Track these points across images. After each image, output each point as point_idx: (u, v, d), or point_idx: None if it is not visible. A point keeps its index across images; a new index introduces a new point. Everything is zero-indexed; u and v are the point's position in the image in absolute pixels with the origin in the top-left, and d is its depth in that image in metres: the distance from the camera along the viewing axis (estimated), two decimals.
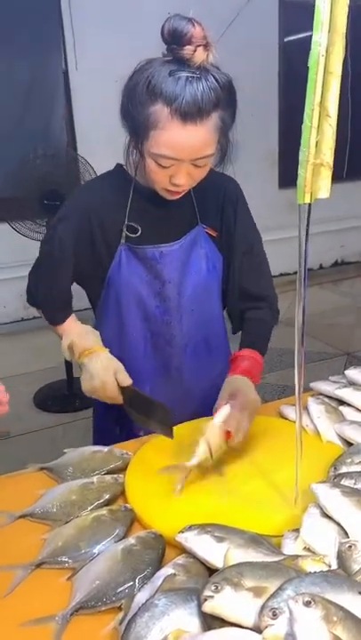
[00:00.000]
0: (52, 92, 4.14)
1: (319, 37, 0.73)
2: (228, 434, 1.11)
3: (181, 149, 1.08)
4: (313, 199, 0.79)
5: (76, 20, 4.05)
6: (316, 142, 0.77)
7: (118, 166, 1.29)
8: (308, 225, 0.82)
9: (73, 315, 1.36)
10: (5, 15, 3.81)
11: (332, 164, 0.78)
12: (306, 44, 0.75)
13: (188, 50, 1.01)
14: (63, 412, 3.27)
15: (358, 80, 5.31)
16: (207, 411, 1.29)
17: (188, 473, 1.07)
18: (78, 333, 1.30)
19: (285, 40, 4.96)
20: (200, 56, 1.02)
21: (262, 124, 4.81)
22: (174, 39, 1.02)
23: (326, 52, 0.74)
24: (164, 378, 1.36)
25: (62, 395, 3.40)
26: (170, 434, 1.20)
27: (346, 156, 5.57)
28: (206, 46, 1.02)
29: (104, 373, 1.23)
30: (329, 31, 0.73)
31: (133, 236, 1.25)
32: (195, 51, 1.01)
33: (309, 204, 0.80)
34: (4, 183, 3.10)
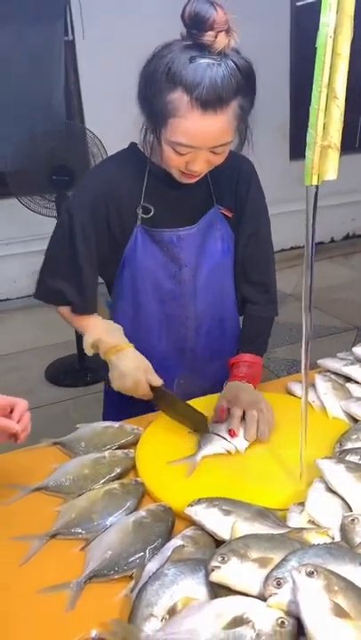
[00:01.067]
0: (55, 63, 4.07)
1: (327, 19, 0.73)
2: (231, 432, 1.16)
3: (200, 138, 1.07)
4: (320, 181, 0.80)
5: None
6: (324, 124, 0.77)
7: (132, 145, 1.27)
8: (315, 207, 0.82)
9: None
10: None
11: (339, 145, 0.78)
12: (319, 9, 0.73)
13: (209, 36, 0.98)
14: (74, 387, 3.33)
15: None
16: (217, 389, 1.32)
17: (196, 464, 1.09)
18: (104, 330, 1.29)
19: (298, 4, 4.84)
20: (222, 42, 0.99)
21: (274, 94, 4.71)
22: (195, 24, 0.98)
23: (334, 33, 0.73)
24: (178, 358, 1.39)
25: (73, 369, 3.45)
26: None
27: (359, 127, 5.49)
28: (228, 31, 0.99)
29: (136, 373, 1.24)
30: (337, 12, 0.72)
31: (147, 216, 1.24)
32: (216, 36, 0.98)
33: (317, 186, 0.80)
34: (13, 157, 3.09)
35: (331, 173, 0.79)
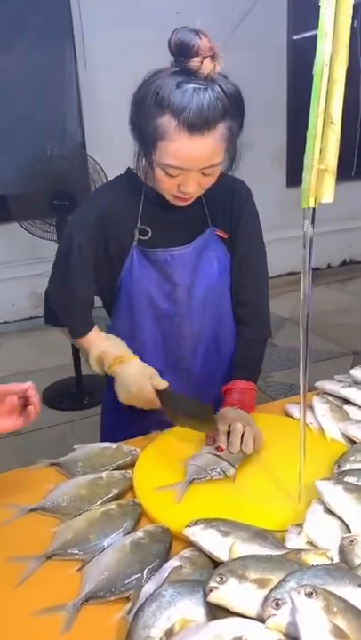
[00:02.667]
0: (66, 90, 4.16)
1: (324, 46, 0.76)
2: (218, 448, 1.16)
3: (189, 160, 1.10)
4: (317, 203, 0.81)
5: (85, 19, 4.07)
6: (321, 148, 0.79)
7: (129, 170, 1.30)
8: (312, 228, 0.84)
9: (96, 326, 1.35)
10: (18, 13, 3.84)
11: (335, 169, 0.80)
12: (315, 42, 0.76)
13: (195, 61, 1.03)
14: (72, 410, 3.31)
15: None
16: (215, 410, 1.32)
17: (184, 490, 1.08)
18: (107, 344, 1.30)
19: (294, 38, 4.97)
20: (207, 67, 1.04)
21: (271, 122, 4.81)
22: (181, 51, 1.03)
23: (330, 60, 0.76)
24: (174, 377, 1.38)
25: (71, 392, 3.43)
26: (212, 428, 1.21)
27: (355, 155, 5.58)
28: (213, 57, 1.04)
29: (139, 379, 1.25)
30: (333, 41, 0.75)
31: (144, 238, 1.27)
32: (202, 62, 1.03)
33: (314, 209, 0.82)
34: (16, 180, 3.13)
35: (327, 196, 0.81)
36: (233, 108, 1.08)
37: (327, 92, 0.77)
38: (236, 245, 1.36)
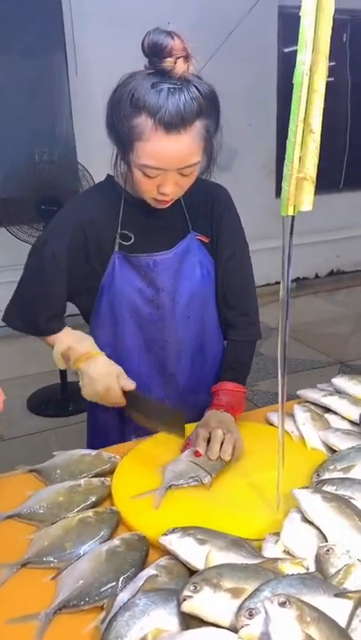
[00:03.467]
0: (57, 96, 4.16)
1: (303, 57, 0.76)
2: (196, 452, 1.16)
3: (166, 159, 1.10)
4: (296, 212, 0.82)
5: (77, 26, 4.09)
6: (300, 157, 0.80)
7: (109, 177, 1.30)
8: (291, 236, 0.84)
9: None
10: (10, 20, 3.84)
11: (315, 178, 0.80)
12: None
13: (168, 62, 1.04)
14: (57, 417, 3.29)
15: (357, 95, 5.40)
16: (201, 416, 1.32)
17: (162, 496, 1.07)
18: (73, 339, 1.29)
19: (285, 51, 5.02)
20: (181, 67, 1.04)
21: (260, 133, 4.85)
22: (155, 52, 1.04)
23: (310, 70, 0.77)
24: (159, 383, 1.38)
25: (56, 399, 3.41)
26: (181, 434, 1.21)
27: (343, 167, 5.63)
28: (187, 58, 1.05)
29: (107, 378, 1.24)
30: (313, 51, 0.76)
31: (126, 243, 1.27)
32: (175, 62, 1.04)
33: (293, 217, 0.82)
34: (3, 184, 3.12)
35: (306, 205, 0.81)
36: (208, 106, 1.09)
37: (307, 101, 0.77)
38: (220, 249, 1.36)
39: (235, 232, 1.38)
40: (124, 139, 1.11)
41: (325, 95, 0.78)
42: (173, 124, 1.05)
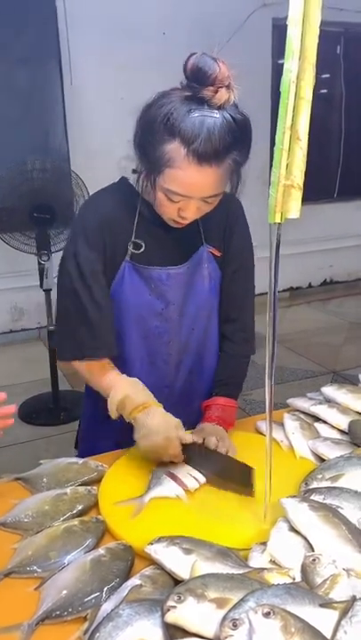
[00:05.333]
0: (51, 105, 4.18)
1: (291, 64, 0.76)
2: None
3: (194, 189, 1.08)
4: (283, 219, 0.82)
5: (72, 36, 4.10)
6: (287, 164, 0.80)
7: (124, 180, 1.26)
8: (278, 244, 0.84)
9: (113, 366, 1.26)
10: (4, 28, 3.86)
11: (302, 185, 0.80)
12: None
13: (210, 90, 1.00)
14: (48, 425, 3.27)
15: (351, 106, 5.44)
16: (192, 424, 1.32)
17: (143, 506, 1.06)
18: (131, 388, 1.19)
19: (279, 63, 5.06)
20: (222, 97, 1.01)
21: (254, 145, 4.86)
22: (197, 78, 1.01)
23: (297, 78, 0.77)
24: (155, 394, 1.36)
25: (48, 408, 3.39)
26: (250, 492, 1.09)
27: (337, 177, 5.67)
28: (229, 87, 1.01)
29: (166, 429, 1.15)
30: (300, 59, 0.76)
31: (137, 252, 1.23)
32: (216, 92, 1.00)
33: (279, 224, 0.82)
34: None
35: (293, 212, 0.81)
36: (242, 139, 1.06)
37: (294, 108, 0.78)
38: (228, 261, 1.34)
39: (244, 245, 1.36)
40: (153, 161, 1.08)
41: (313, 103, 0.78)
42: (207, 156, 1.02)
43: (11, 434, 3.17)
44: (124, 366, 1.30)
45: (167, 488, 1.10)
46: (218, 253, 1.32)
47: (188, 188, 1.08)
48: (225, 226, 1.32)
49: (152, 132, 1.05)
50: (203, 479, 1.13)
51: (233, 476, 1.12)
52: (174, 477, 1.13)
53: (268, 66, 5.00)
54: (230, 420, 1.32)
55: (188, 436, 1.17)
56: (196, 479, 1.11)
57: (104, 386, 1.23)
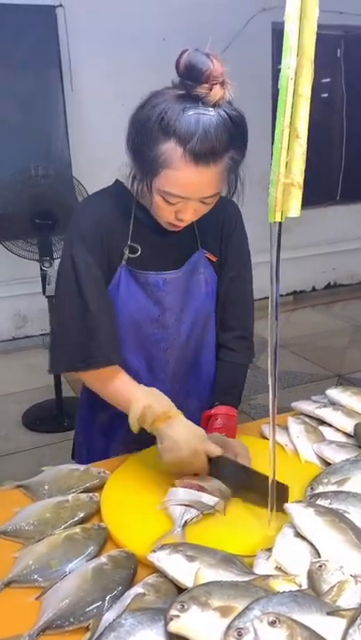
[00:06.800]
0: (52, 111, 4.19)
1: (288, 61, 0.75)
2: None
3: (192, 189, 1.06)
4: (283, 218, 0.80)
5: (73, 42, 4.12)
6: (287, 162, 0.78)
7: (119, 183, 1.23)
8: (278, 243, 0.83)
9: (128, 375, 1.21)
10: (5, 35, 3.87)
11: (302, 183, 0.79)
12: None
13: (204, 88, 0.98)
14: (51, 432, 3.25)
15: (353, 109, 5.44)
16: None
17: (183, 534, 0.98)
18: (151, 397, 1.14)
19: (279, 67, 5.05)
20: (217, 94, 0.99)
21: (256, 149, 4.86)
22: (191, 76, 0.98)
23: (295, 75, 0.76)
24: None
25: (51, 415, 3.37)
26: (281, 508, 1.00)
27: (339, 180, 5.66)
28: (223, 84, 0.99)
29: (192, 442, 1.09)
30: (298, 55, 0.75)
31: (133, 256, 1.20)
32: (211, 89, 0.98)
33: (280, 223, 0.81)
34: None
35: (293, 211, 0.80)
36: (238, 136, 1.04)
37: (293, 105, 0.76)
38: (226, 267, 1.32)
39: (241, 250, 1.34)
40: (148, 162, 1.05)
41: (315, 106, 0.77)
42: (204, 155, 1.00)
43: (14, 441, 3.18)
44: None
45: (195, 511, 1.01)
46: (214, 258, 1.30)
47: (185, 189, 1.06)
48: (221, 230, 1.30)
49: (146, 132, 1.02)
50: (229, 493, 1.08)
51: (262, 491, 1.01)
52: (204, 490, 1.07)
53: (269, 71, 5.00)
54: (234, 428, 1.29)
55: (217, 449, 1.11)
56: (223, 493, 1.07)
57: (120, 398, 1.18)
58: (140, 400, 1.13)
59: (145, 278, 1.22)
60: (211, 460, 1.11)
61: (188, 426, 1.12)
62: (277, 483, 1.00)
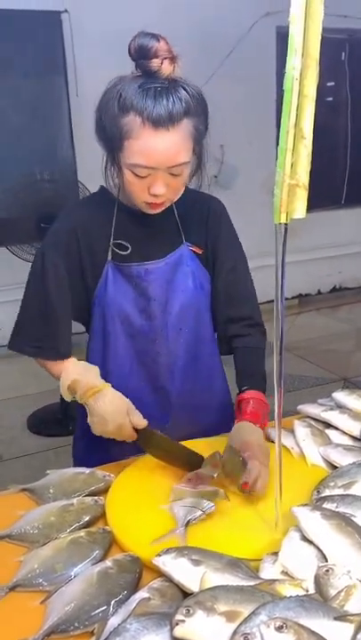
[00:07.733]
0: (58, 116, 4.21)
1: (293, 62, 0.75)
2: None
3: (156, 157, 1.10)
4: (289, 219, 0.80)
5: (78, 46, 4.14)
6: (292, 163, 0.78)
7: (102, 188, 1.30)
8: (284, 245, 0.82)
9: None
10: (10, 41, 3.90)
11: (307, 184, 0.79)
12: None
13: (154, 62, 1.06)
14: (56, 436, 3.24)
15: (357, 112, 5.43)
16: (196, 433, 1.29)
17: (184, 534, 0.98)
18: (78, 371, 1.23)
19: (284, 71, 5.06)
20: (167, 68, 1.07)
21: (261, 152, 4.88)
22: (141, 54, 1.07)
23: (301, 75, 0.75)
24: (152, 396, 1.35)
25: (56, 418, 3.37)
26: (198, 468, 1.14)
27: (345, 184, 5.65)
28: (172, 59, 1.07)
29: (117, 416, 1.18)
30: (303, 56, 0.75)
31: (123, 253, 1.25)
32: (161, 63, 1.06)
33: (286, 224, 0.80)
34: (4, 203, 3.13)
35: (299, 212, 0.79)
36: (196, 106, 1.10)
37: (298, 106, 0.76)
38: (220, 262, 1.34)
39: (233, 244, 1.37)
40: (112, 139, 1.11)
41: (319, 109, 0.77)
42: (161, 120, 1.06)
43: (19, 445, 3.17)
44: (114, 366, 1.31)
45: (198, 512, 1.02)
46: (199, 251, 1.33)
47: (149, 157, 1.10)
48: (206, 224, 1.33)
49: (108, 112, 1.10)
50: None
51: (184, 462, 1.17)
52: (201, 477, 1.10)
53: (273, 74, 5.01)
54: (264, 415, 1.26)
55: (142, 421, 1.19)
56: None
57: (58, 370, 1.27)
58: (69, 372, 1.23)
59: (129, 270, 1.27)
60: (137, 429, 1.19)
61: (112, 401, 1.19)
62: (190, 452, 1.14)
